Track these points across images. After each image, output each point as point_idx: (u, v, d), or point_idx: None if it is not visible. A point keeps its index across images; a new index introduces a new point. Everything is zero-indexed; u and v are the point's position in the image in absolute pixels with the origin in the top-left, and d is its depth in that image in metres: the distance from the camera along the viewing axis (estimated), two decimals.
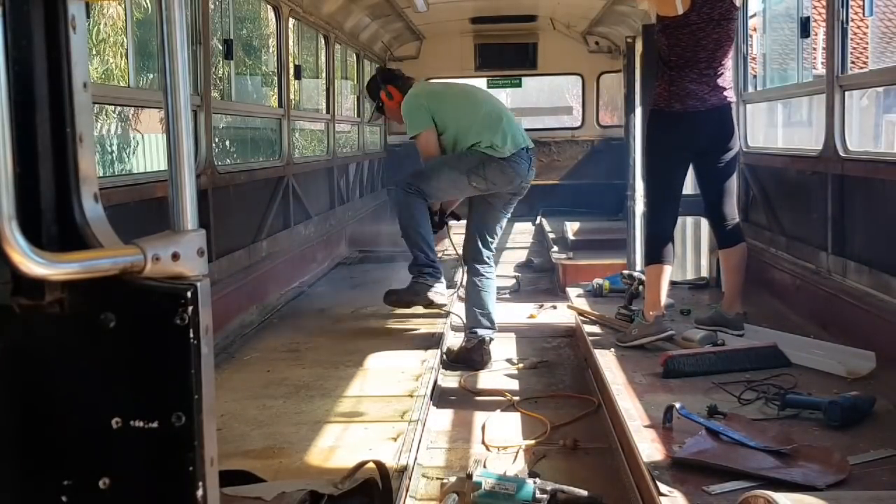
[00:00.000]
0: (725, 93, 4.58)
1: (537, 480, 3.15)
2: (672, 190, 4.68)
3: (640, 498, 3.12)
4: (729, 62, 4.68)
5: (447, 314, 5.72)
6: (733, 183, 4.78)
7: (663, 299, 4.63)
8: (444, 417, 4.39)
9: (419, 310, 6.24)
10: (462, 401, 4.67)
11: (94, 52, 11.48)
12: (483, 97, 5.34)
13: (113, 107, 11.53)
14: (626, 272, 5.63)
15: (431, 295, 5.15)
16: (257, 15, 12.21)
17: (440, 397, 4.68)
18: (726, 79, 4.61)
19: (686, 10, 4.44)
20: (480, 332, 5.22)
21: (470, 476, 3.11)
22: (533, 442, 3.99)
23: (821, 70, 5.60)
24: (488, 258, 5.29)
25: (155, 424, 1.18)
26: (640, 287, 5.07)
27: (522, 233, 10.60)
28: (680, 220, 5.41)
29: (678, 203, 4.72)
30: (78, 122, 1.20)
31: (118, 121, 12.91)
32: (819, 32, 11.31)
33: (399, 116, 5.30)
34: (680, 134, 4.55)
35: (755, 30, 13.83)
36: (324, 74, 9.12)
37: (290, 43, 7.83)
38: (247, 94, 12.41)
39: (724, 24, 4.50)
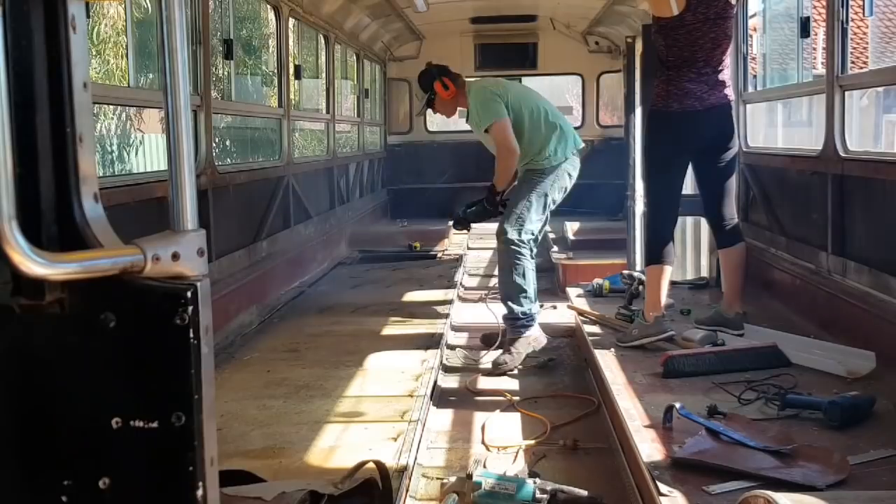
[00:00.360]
0: (724, 92, 4.57)
1: (537, 480, 3.15)
2: (672, 190, 4.68)
3: (640, 498, 3.12)
4: (727, 61, 4.68)
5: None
6: (732, 183, 4.77)
7: (664, 300, 4.63)
8: (444, 417, 4.38)
9: (419, 310, 6.26)
10: (462, 401, 4.67)
11: (94, 53, 11.48)
12: (538, 99, 5.35)
13: (113, 107, 11.53)
14: (626, 272, 5.63)
15: (532, 343, 5.18)
16: (257, 15, 12.19)
17: (440, 397, 4.68)
18: (725, 78, 4.60)
19: (681, 10, 4.43)
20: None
21: (470, 476, 3.11)
22: (533, 442, 3.99)
23: (821, 70, 5.60)
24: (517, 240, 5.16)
25: (155, 424, 1.18)
26: (640, 287, 5.07)
27: None
28: (680, 220, 5.40)
29: (678, 203, 4.71)
30: (78, 122, 1.20)
31: (118, 121, 12.90)
32: (819, 32, 11.31)
33: (450, 109, 5.39)
34: (679, 133, 4.55)
35: (755, 30, 13.81)
36: (324, 74, 9.12)
37: (290, 43, 7.83)
38: (247, 93, 12.40)
39: (721, 23, 4.50)
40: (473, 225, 5.61)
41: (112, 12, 11.49)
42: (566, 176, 5.22)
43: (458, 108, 5.47)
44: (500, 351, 5.22)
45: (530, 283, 5.18)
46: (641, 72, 6.79)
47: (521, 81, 12.78)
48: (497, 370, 5.08)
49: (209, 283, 1.24)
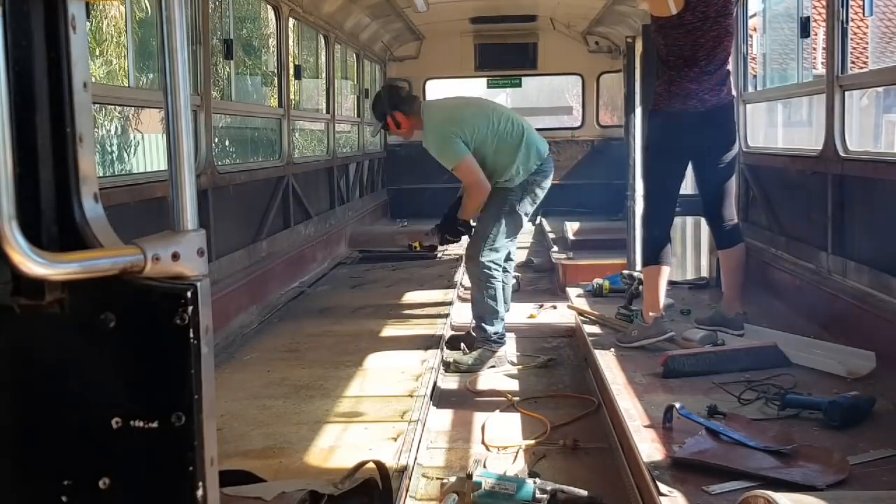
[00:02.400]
0: (725, 93, 4.56)
1: (537, 480, 3.15)
2: (670, 190, 4.68)
3: (640, 498, 3.11)
4: (729, 59, 4.66)
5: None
6: (732, 184, 4.77)
7: (662, 300, 4.63)
8: (444, 417, 4.38)
9: (419, 310, 6.26)
10: (462, 401, 4.67)
11: (98, 53, 11.49)
12: (497, 112, 5.29)
13: (113, 107, 11.52)
14: (626, 272, 5.63)
15: (496, 361, 5.22)
16: (257, 15, 12.20)
17: (440, 397, 4.68)
18: (727, 77, 4.60)
19: (679, 10, 4.41)
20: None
21: (470, 476, 3.11)
22: (533, 442, 3.99)
23: (821, 70, 5.60)
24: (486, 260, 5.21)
25: (155, 424, 1.18)
26: (640, 287, 5.06)
27: (523, 233, 10.57)
28: (680, 220, 5.41)
29: (675, 203, 4.72)
30: (78, 122, 1.20)
31: (119, 120, 12.90)
32: (819, 32, 11.32)
33: (405, 135, 5.38)
34: (680, 134, 4.54)
35: (755, 30, 13.83)
36: (324, 74, 9.13)
37: (290, 43, 7.83)
38: (247, 94, 12.40)
39: (722, 20, 4.47)
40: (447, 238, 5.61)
41: (115, 13, 11.49)
42: (536, 189, 5.19)
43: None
44: (464, 351, 5.27)
45: (501, 303, 5.26)
46: (641, 72, 6.78)
47: (520, 81, 12.88)
48: (453, 368, 5.13)
49: (209, 283, 1.23)
